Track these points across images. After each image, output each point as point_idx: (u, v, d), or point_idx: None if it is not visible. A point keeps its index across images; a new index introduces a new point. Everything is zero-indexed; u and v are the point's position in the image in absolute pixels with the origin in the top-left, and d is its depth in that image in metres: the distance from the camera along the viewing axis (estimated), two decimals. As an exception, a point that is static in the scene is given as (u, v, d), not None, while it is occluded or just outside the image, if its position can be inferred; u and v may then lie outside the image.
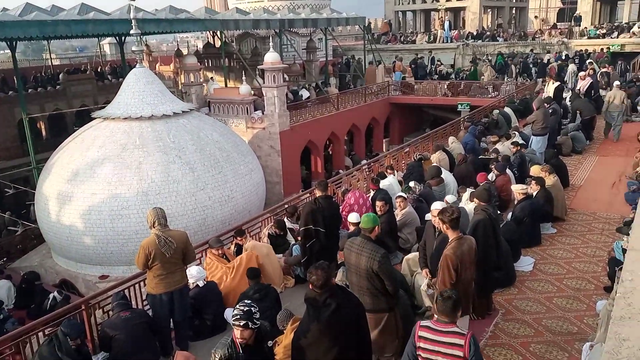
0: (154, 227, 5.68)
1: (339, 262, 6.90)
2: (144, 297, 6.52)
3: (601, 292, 6.49)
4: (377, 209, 7.75)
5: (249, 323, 3.75)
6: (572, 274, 7.14)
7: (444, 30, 33.33)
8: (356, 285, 4.70)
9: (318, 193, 6.95)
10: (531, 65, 26.57)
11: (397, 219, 8.03)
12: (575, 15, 33.30)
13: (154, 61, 30.12)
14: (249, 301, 4.05)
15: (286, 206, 9.63)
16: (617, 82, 15.66)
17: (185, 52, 29.17)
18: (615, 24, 31.13)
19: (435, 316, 3.78)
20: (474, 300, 5.40)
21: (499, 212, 8.46)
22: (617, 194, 10.13)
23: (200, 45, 39.87)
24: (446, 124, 16.73)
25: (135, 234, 12.47)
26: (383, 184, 9.44)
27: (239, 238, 7.72)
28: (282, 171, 19.18)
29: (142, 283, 6.65)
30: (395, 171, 11.00)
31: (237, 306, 3.85)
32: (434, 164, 10.52)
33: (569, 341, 5.63)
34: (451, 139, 13.35)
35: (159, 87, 15.06)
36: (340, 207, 9.41)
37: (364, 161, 18.03)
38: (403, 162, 13.02)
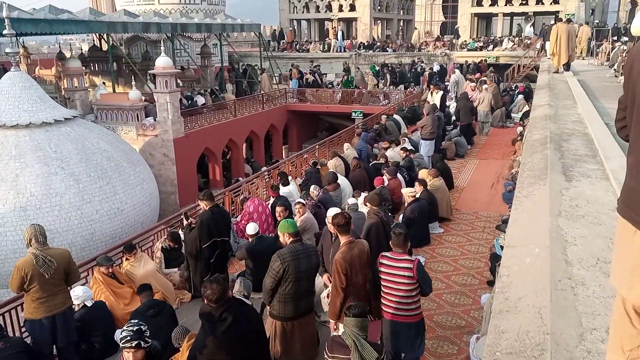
0: (31, 246, 5.20)
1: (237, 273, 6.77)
2: (22, 324, 5.93)
3: (485, 286, 6.99)
4: (277, 215, 7.75)
5: (141, 342, 3.54)
6: (459, 270, 7.62)
7: (337, 40, 34.32)
8: (305, 291, 4.77)
9: (206, 205, 6.66)
10: (408, 75, 28.44)
11: (297, 225, 8.09)
12: (455, 28, 35.86)
13: (32, 64, 27.68)
14: (137, 320, 3.82)
15: (182, 217, 9.27)
16: (485, 86, 17.23)
17: (68, 55, 27.18)
18: (491, 38, 33.98)
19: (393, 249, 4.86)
20: (370, 301, 5.54)
21: (391, 214, 8.84)
22: (496, 194, 11.00)
23: (85, 48, 37.41)
24: (341, 131, 17.18)
25: (13, 253, 11.41)
26: (283, 191, 9.47)
27: (128, 255, 7.20)
28: (178, 180, 18.52)
29: (19, 308, 6.04)
30: (294, 178, 11.09)
31: (125, 327, 3.61)
32: (331, 170, 10.76)
33: (458, 335, 5.98)
34: (346, 145, 13.72)
35: (38, 93, 13.91)
36: (239, 216, 9.30)
37: (264, 168, 17.97)
38: (302, 168, 13.15)
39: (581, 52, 19.05)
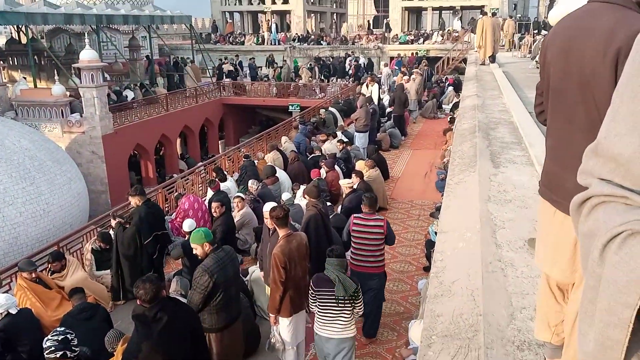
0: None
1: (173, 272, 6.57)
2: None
3: (421, 273, 7.18)
4: (213, 211, 7.60)
5: (67, 352, 3.34)
6: (397, 258, 7.79)
7: (271, 33, 34.06)
8: (234, 295, 4.69)
9: (139, 200, 6.44)
10: (336, 68, 28.87)
11: (235, 220, 7.97)
12: (387, 22, 36.56)
13: (-60, 58, 25.61)
14: (63, 328, 3.61)
15: (110, 215, 8.88)
16: (413, 76, 17.88)
17: (-18, 48, 25.33)
18: (422, 32, 34.91)
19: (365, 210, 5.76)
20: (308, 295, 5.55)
21: (330, 204, 8.89)
22: (429, 182, 11.32)
23: (2, 41, 34.98)
24: (278, 124, 17.08)
25: None
26: (221, 187, 9.29)
27: (54, 264, 6.70)
28: (108, 179, 17.72)
29: None
30: (231, 174, 10.91)
31: (50, 336, 3.41)
32: (269, 164, 10.68)
33: (397, 321, 6.11)
34: (284, 138, 13.66)
35: (-53, 89, 12.85)
36: (174, 214, 9.03)
37: (200, 164, 17.56)
38: (239, 163, 12.96)
39: (508, 45, 19.94)
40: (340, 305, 4.59)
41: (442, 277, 3.05)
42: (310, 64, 29.25)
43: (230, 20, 39.48)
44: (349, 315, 4.66)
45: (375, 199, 5.87)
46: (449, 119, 15.16)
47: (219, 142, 26.10)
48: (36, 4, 22.41)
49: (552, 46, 1.72)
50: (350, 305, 4.63)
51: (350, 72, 27.55)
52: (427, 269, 6.95)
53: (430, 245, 6.92)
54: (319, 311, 4.69)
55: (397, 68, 24.30)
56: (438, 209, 8.29)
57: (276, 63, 30.09)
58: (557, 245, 1.69)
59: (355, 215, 5.83)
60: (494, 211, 3.78)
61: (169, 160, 22.47)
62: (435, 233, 6.13)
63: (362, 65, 28.57)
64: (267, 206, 5.76)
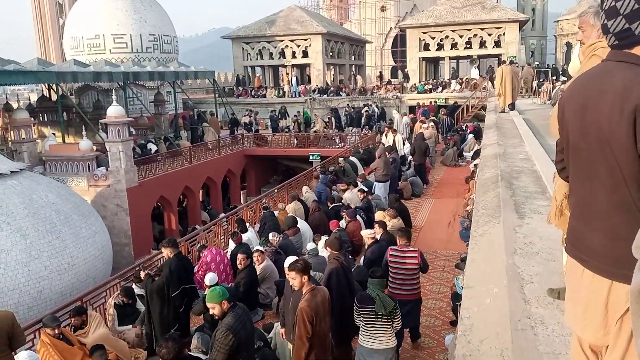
0: (-30, 311, 4.85)
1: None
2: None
3: (448, 327, 6.96)
4: (238, 263, 7.58)
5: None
6: (422, 312, 7.55)
7: (292, 85, 34.90)
8: (252, 346, 4.77)
9: (171, 252, 6.51)
10: (352, 117, 29.22)
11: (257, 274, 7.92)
12: (405, 72, 37.21)
13: (-24, 116, 26.79)
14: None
15: (137, 268, 8.93)
16: (432, 124, 18.31)
17: (16, 105, 26.44)
18: (440, 80, 35.41)
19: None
20: (332, 349, 5.41)
21: (352, 257, 8.79)
22: (453, 232, 11.15)
23: (34, 98, 36.57)
24: (299, 174, 17.23)
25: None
26: (243, 238, 9.29)
27: (76, 318, 6.72)
28: (132, 231, 17.94)
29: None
30: (252, 224, 10.94)
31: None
32: (290, 214, 10.68)
33: (424, 378, 5.89)
34: (305, 188, 13.73)
35: (-19, 146, 13.37)
36: (197, 267, 9.02)
37: (222, 215, 17.68)
38: (260, 213, 13.00)
39: (526, 91, 20.04)
40: (381, 320, 5.22)
41: (470, 335, 2.95)
42: (327, 115, 29.83)
43: (259, 75, 40.72)
44: (389, 329, 5.29)
45: (410, 233, 6.79)
46: (471, 166, 15.12)
47: (241, 192, 26.36)
48: (67, 64, 23.50)
49: (568, 105, 1.73)
50: (389, 320, 5.27)
51: (363, 121, 27.92)
52: (454, 323, 6.74)
53: (456, 298, 6.73)
54: (363, 325, 5.31)
55: (424, 117, 24.46)
56: (463, 259, 8.12)
57: (288, 114, 30.73)
58: (587, 305, 1.63)
59: (391, 247, 6.61)
60: (520, 264, 3.69)
61: (192, 212, 22.70)
62: (462, 286, 5.99)
63: (374, 114, 28.92)
64: (288, 260, 5.71)
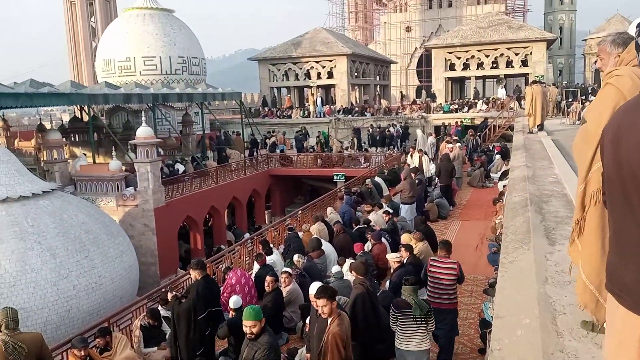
0: (1, 332, 4.94)
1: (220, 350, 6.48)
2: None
3: (476, 355, 6.79)
4: (266, 285, 7.55)
5: None
6: (449, 338, 7.41)
7: (317, 106, 35.16)
8: None
9: (199, 274, 6.52)
10: (377, 137, 29.20)
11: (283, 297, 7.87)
12: (431, 92, 37.13)
13: (12, 136, 27.69)
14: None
15: (163, 290, 8.99)
16: (458, 144, 17.96)
17: (48, 126, 27.27)
18: (466, 100, 35.18)
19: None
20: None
21: (377, 281, 8.68)
22: (481, 255, 10.93)
23: (66, 118, 37.66)
24: (323, 195, 17.22)
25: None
26: (267, 260, 9.28)
27: (99, 339, 6.73)
28: (158, 251, 18.13)
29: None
30: (277, 246, 10.93)
31: None
32: (315, 236, 10.62)
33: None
34: (329, 209, 13.68)
35: (16, 166, 13.77)
36: (222, 288, 9.03)
37: (247, 235, 17.74)
38: (285, 234, 13.00)
39: (552, 112, 19.75)
40: (417, 322, 5.61)
41: (501, 369, 2.85)
42: (350, 135, 29.93)
43: (288, 95, 41.23)
44: (424, 331, 5.68)
45: (450, 245, 7.13)
46: (499, 186, 14.88)
47: (266, 212, 26.47)
48: (98, 86, 24.16)
49: (605, 135, 1.73)
50: (424, 322, 5.67)
51: (386, 141, 27.90)
52: (482, 351, 6.57)
53: (484, 324, 6.57)
54: (399, 329, 5.67)
55: (457, 137, 24.22)
56: (492, 285, 7.93)
57: (309, 135, 30.97)
58: (620, 342, 1.59)
59: (431, 258, 7.08)
60: (552, 294, 3.57)
61: (217, 231, 22.86)
62: (490, 314, 5.84)
63: (395, 134, 28.84)
64: (313, 287, 5.67)
